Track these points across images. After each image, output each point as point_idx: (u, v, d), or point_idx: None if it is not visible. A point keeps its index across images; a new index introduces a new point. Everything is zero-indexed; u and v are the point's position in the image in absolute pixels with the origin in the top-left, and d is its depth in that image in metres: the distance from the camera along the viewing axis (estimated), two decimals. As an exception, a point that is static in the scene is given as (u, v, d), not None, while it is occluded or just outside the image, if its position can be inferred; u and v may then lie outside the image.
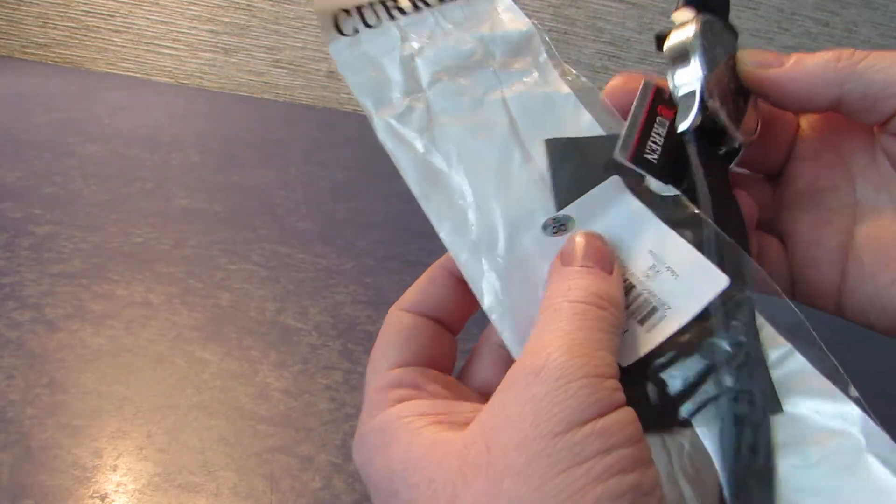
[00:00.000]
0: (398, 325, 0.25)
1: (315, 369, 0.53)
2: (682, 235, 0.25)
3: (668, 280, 0.24)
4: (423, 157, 0.26)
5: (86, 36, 0.95)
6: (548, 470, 0.17)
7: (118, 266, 0.58)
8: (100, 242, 0.60)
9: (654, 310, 0.23)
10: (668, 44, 0.25)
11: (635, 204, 0.25)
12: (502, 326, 0.24)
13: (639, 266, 0.24)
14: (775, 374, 0.23)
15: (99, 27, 0.95)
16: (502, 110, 0.28)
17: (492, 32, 0.29)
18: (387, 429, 0.21)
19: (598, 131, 0.28)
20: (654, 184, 0.26)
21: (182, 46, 0.98)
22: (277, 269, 0.61)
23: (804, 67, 0.24)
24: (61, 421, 0.44)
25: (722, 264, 0.24)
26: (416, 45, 0.28)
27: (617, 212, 0.25)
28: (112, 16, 0.94)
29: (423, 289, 0.26)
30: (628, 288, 0.24)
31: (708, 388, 0.22)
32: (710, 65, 0.26)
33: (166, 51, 0.97)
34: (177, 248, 0.62)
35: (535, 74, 0.29)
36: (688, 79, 0.26)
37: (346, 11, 0.28)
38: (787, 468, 0.22)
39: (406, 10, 0.29)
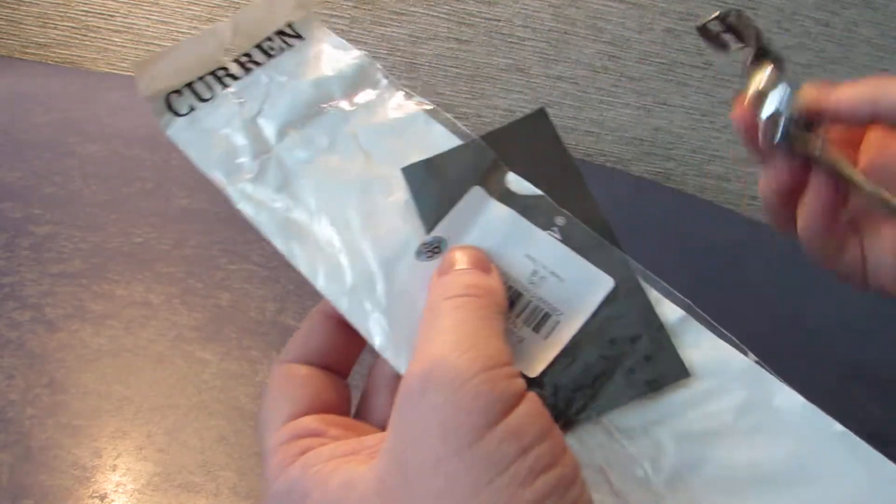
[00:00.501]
0: (286, 377, 0.24)
1: (315, 369, 0.53)
2: (552, 235, 0.25)
3: (555, 285, 0.24)
4: (283, 214, 0.25)
5: (86, 36, 0.95)
6: (471, 487, 0.16)
7: (118, 266, 0.58)
8: (100, 242, 0.60)
9: (546, 316, 0.24)
10: (752, 90, 0.29)
11: (502, 209, 0.25)
12: (398, 362, 0.23)
13: (521, 273, 0.24)
14: (677, 340, 0.23)
15: (99, 27, 0.95)
16: (355, 146, 0.27)
17: (326, 74, 0.28)
18: (295, 487, 0.20)
19: (453, 141, 0.27)
20: (514, 185, 0.26)
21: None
22: (277, 269, 0.61)
23: (849, 89, 0.29)
24: (61, 421, 0.44)
25: (598, 260, 0.24)
26: (255, 106, 0.27)
27: (486, 221, 0.25)
28: (112, 16, 0.94)
29: (304, 338, 0.25)
30: (516, 296, 0.24)
31: (616, 381, 0.22)
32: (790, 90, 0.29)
33: (166, 51, 0.97)
34: (177, 248, 0.62)
35: (379, 102, 0.28)
36: (774, 100, 0.29)
37: (177, 91, 0.27)
38: (705, 430, 0.22)
39: (237, 75, 0.28)
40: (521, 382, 0.19)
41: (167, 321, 0.54)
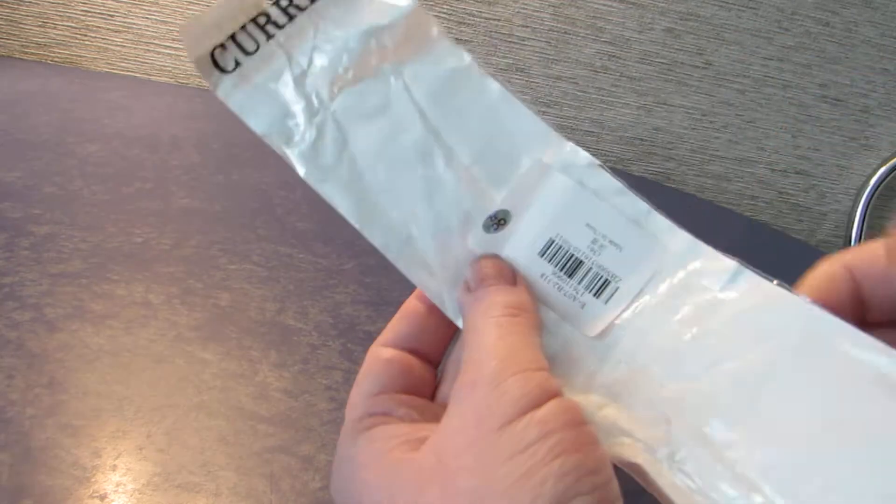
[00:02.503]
0: (373, 360, 0.27)
1: (315, 369, 0.53)
2: (610, 204, 0.26)
3: (614, 253, 0.25)
4: (349, 182, 0.26)
5: (86, 36, 0.95)
6: (494, 460, 0.19)
7: (118, 266, 0.58)
8: (100, 242, 0.60)
9: (606, 282, 0.25)
10: None
11: (562, 180, 0.26)
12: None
13: (582, 241, 0.25)
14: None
15: (99, 27, 0.95)
16: (410, 104, 0.26)
17: (375, 23, 0.27)
18: (356, 456, 0.23)
19: (507, 98, 0.27)
20: (572, 155, 0.26)
21: (182, 46, 0.98)
22: (277, 269, 0.61)
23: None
24: (61, 421, 0.44)
25: (653, 229, 0.26)
26: (304, 59, 0.26)
27: (547, 191, 0.26)
28: (112, 16, 0.94)
29: (396, 322, 0.28)
30: (577, 264, 0.25)
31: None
32: None
33: (166, 51, 0.97)
34: (177, 248, 0.62)
35: (431, 53, 0.27)
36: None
37: (222, 46, 0.26)
38: (761, 374, 0.23)
39: (280, 22, 0.26)
40: (553, 385, 0.21)
41: (167, 321, 0.54)
